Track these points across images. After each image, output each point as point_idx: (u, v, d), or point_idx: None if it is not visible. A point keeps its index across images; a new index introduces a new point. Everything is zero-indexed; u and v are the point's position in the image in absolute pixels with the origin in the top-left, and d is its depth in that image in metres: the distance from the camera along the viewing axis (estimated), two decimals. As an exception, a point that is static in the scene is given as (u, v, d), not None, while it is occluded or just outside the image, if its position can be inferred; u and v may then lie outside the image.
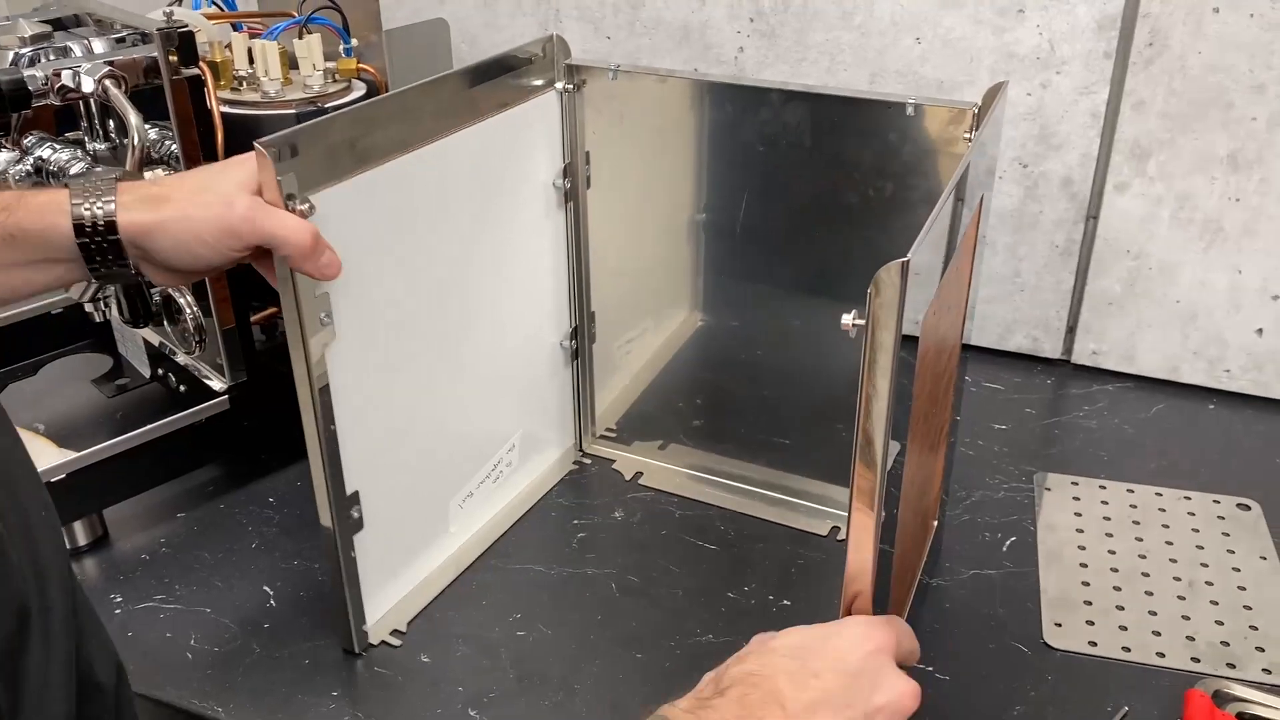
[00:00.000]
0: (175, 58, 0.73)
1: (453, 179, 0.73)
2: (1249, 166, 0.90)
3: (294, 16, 0.83)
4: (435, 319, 0.75)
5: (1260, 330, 0.95)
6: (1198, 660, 0.71)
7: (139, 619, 0.75)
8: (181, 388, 0.91)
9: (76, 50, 0.79)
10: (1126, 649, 0.72)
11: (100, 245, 0.56)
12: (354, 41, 0.86)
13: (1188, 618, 0.74)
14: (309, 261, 0.59)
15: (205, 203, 0.57)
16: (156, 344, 0.93)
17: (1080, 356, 1.03)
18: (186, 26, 0.73)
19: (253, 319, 0.85)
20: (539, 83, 0.78)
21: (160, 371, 0.94)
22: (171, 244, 0.57)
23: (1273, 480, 0.87)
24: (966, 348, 1.03)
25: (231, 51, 0.81)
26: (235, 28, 0.87)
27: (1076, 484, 0.88)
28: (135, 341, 0.96)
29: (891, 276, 0.44)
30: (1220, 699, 0.66)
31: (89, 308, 0.87)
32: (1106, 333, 1.00)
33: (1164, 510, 0.85)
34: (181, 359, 0.89)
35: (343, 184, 0.64)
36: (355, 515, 0.70)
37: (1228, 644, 0.72)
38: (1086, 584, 0.78)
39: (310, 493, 0.68)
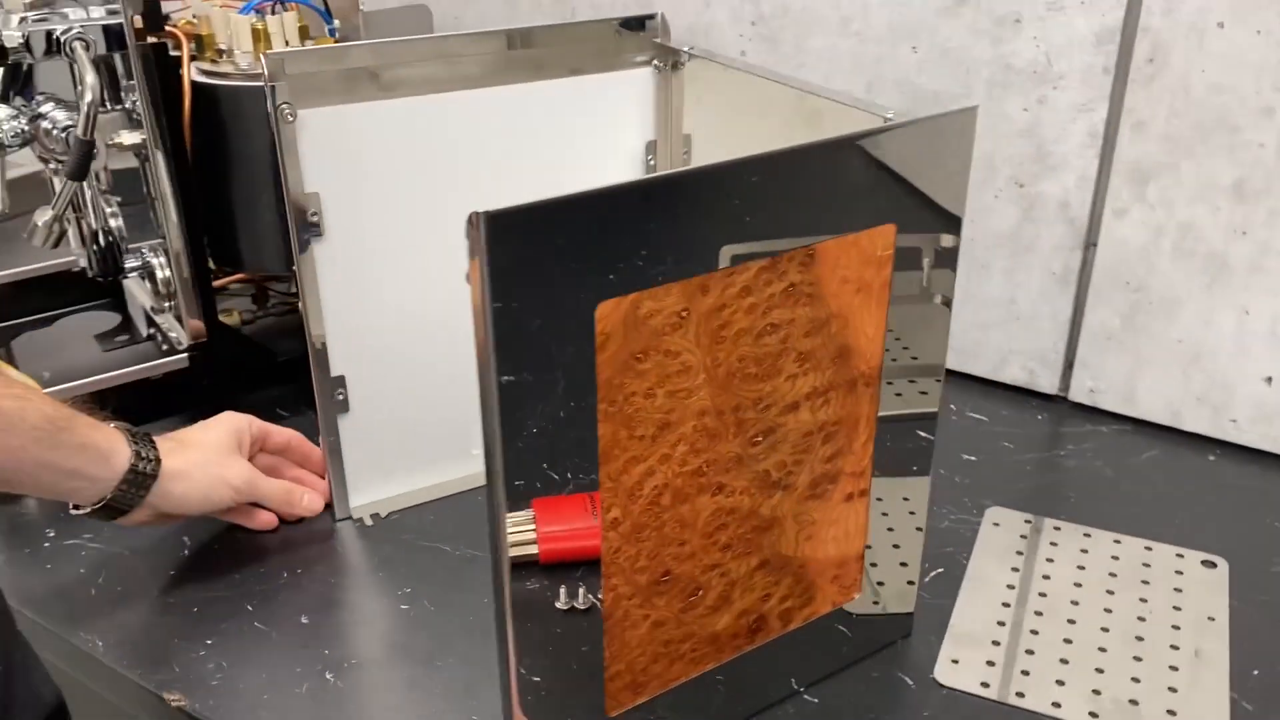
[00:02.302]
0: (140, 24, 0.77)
1: (513, 128, 0.78)
2: (1256, 197, 0.82)
3: (270, -6, 0.86)
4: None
5: (1270, 379, 0.87)
6: (1095, 715, 0.65)
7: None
8: (164, 345, 0.95)
9: (73, 16, 0.84)
10: (1021, 694, 0.67)
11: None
12: (336, 22, 0.89)
13: (1101, 670, 0.68)
14: (293, 509, 0.80)
15: (209, 474, 0.75)
16: (149, 305, 0.98)
17: (1078, 394, 0.96)
18: (154, -4, 0.77)
19: (215, 283, 0.89)
20: (637, 58, 0.82)
21: (152, 330, 0.99)
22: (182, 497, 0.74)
23: (1256, 541, 0.80)
24: (958, 375, 1.00)
25: (212, 25, 0.85)
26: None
27: (1029, 522, 0.82)
28: (138, 302, 1.02)
29: (471, 230, 0.43)
30: (1098, 757, 0.61)
31: (82, 263, 0.92)
32: (1104, 369, 0.94)
33: (1117, 559, 0.78)
34: (160, 319, 0.94)
35: (357, 105, 0.73)
36: (340, 397, 0.78)
37: (1136, 702, 0.66)
38: (1001, 624, 0.72)
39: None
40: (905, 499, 0.68)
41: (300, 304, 0.74)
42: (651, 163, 0.85)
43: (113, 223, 0.87)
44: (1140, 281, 0.90)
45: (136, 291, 0.98)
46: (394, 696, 0.67)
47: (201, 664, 0.69)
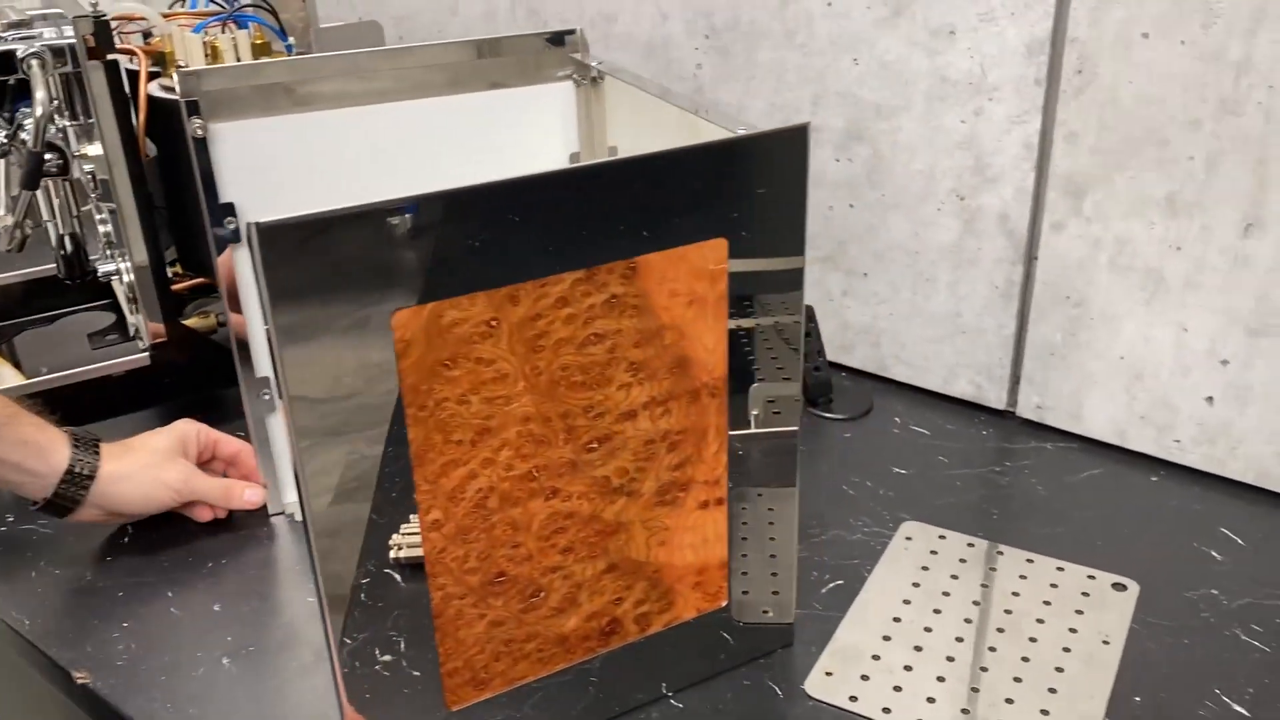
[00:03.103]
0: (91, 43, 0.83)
1: (435, 141, 0.81)
2: (1188, 211, 0.80)
3: (222, 12, 0.91)
4: None
5: (1210, 399, 0.84)
6: (957, 734, 0.65)
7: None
8: (139, 344, 1.01)
9: (48, 35, 0.90)
10: (887, 710, 0.66)
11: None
12: (291, 39, 0.93)
13: (976, 690, 0.68)
14: (231, 504, 0.84)
15: (149, 476, 0.80)
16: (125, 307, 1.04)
17: (1025, 410, 0.95)
18: (105, 16, 0.82)
19: (174, 287, 0.94)
20: (558, 72, 0.85)
21: (134, 330, 1.05)
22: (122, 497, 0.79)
23: (1177, 564, 0.78)
24: (910, 388, 0.99)
25: (173, 43, 0.90)
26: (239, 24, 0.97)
27: (944, 538, 0.81)
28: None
29: (249, 239, 0.45)
30: (941, 775, 0.60)
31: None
32: (1050, 385, 0.92)
33: (1025, 578, 0.77)
34: (132, 320, 1.00)
35: (271, 119, 0.76)
36: (266, 397, 0.82)
37: (1003, 724, 0.65)
38: (887, 639, 0.72)
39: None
40: (770, 509, 0.68)
41: (223, 308, 0.78)
42: (575, 174, 0.86)
43: (78, 228, 0.92)
44: (1080, 296, 0.88)
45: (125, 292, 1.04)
46: (281, 681, 0.71)
47: (113, 645, 0.73)
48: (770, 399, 0.64)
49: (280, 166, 0.77)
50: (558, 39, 0.83)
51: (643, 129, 0.79)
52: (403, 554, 0.57)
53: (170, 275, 0.93)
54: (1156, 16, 0.77)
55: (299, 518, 0.84)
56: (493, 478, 0.56)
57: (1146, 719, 0.65)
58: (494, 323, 0.53)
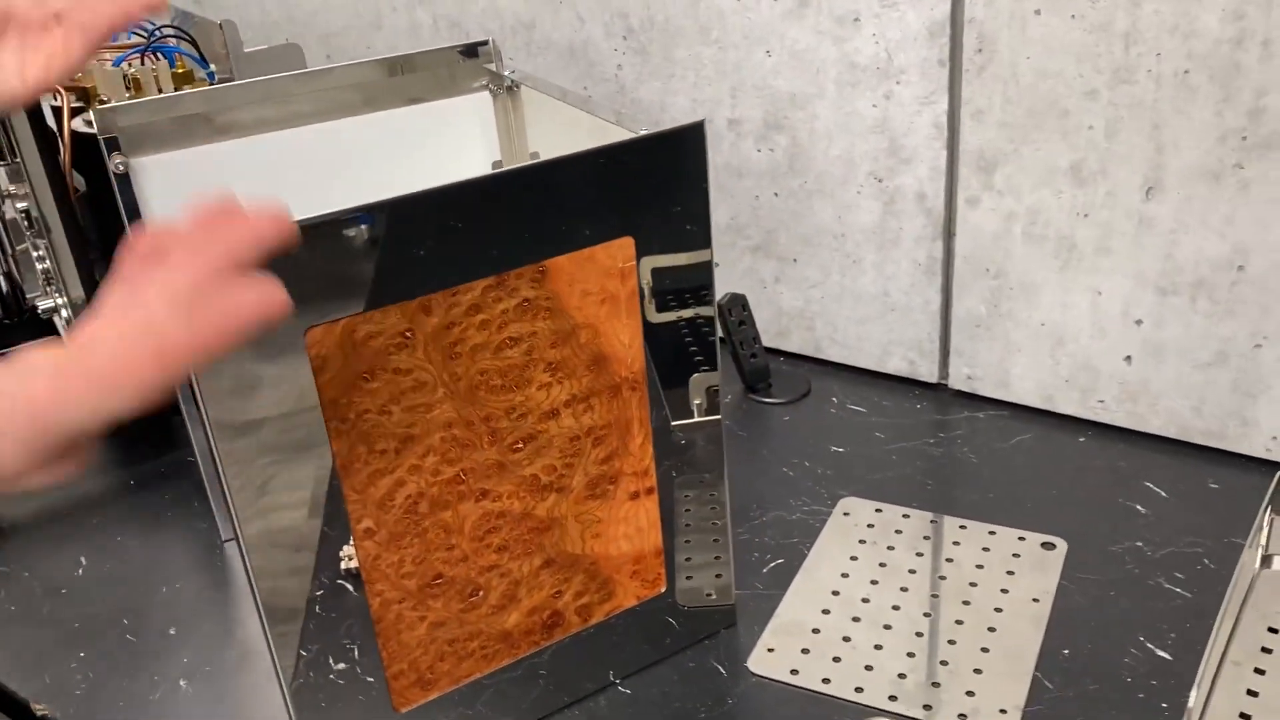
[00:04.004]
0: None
1: (358, 159, 0.82)
2: (1093, 179, 0.83)
3: (140, 45, 0.92)
4: None
5: (1129, 358, 0.87)
6: (895, 699, 0.67)
7: None
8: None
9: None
10: (827, 680, 0.69)
11: None
12: (213, 66, 0.94)
13: (913, 655, 0.70)
14: None
15: None
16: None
17: (956, 381, 0.97)
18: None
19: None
20: (474, 83, 0.85)
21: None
22: None
23: (1099, 519, 0.80)
24: (846, 368, 1.02)
25: (95, 78, 0.91)
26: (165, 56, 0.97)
27: (880, 511, 0.84)
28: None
29: None
30: (877, 738, 0.63)
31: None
32: (978, 356, 0.95)
33: (958, 544, 0.80)
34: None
35: (193, 150, 0.76)
36: None
37: (939, 684, 0.68)
38: (826, 612, 0.74)
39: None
40: (710, 494, 0.70)
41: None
42: (503, 182, 0.88)
43: (14, 268, 0.93)
44: (999, 268, 0.90)
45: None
46: (239, 700, 0.72)
47: (71, 675, 0.75)
48: (691, 389, 0.66)
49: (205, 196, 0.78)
50: (471, 50, 0.84)
51: (562, 133, 0.80)
52: (353, 564, 0.58)
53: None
54: (1047, -7, 0.79)
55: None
56: (420, 484, 0.58)
57: (1074, 670, 0.68)
58: (409, 334, 0.55)
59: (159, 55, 0.92)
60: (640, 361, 0.63)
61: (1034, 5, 0.80)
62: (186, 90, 0.85)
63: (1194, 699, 0.60)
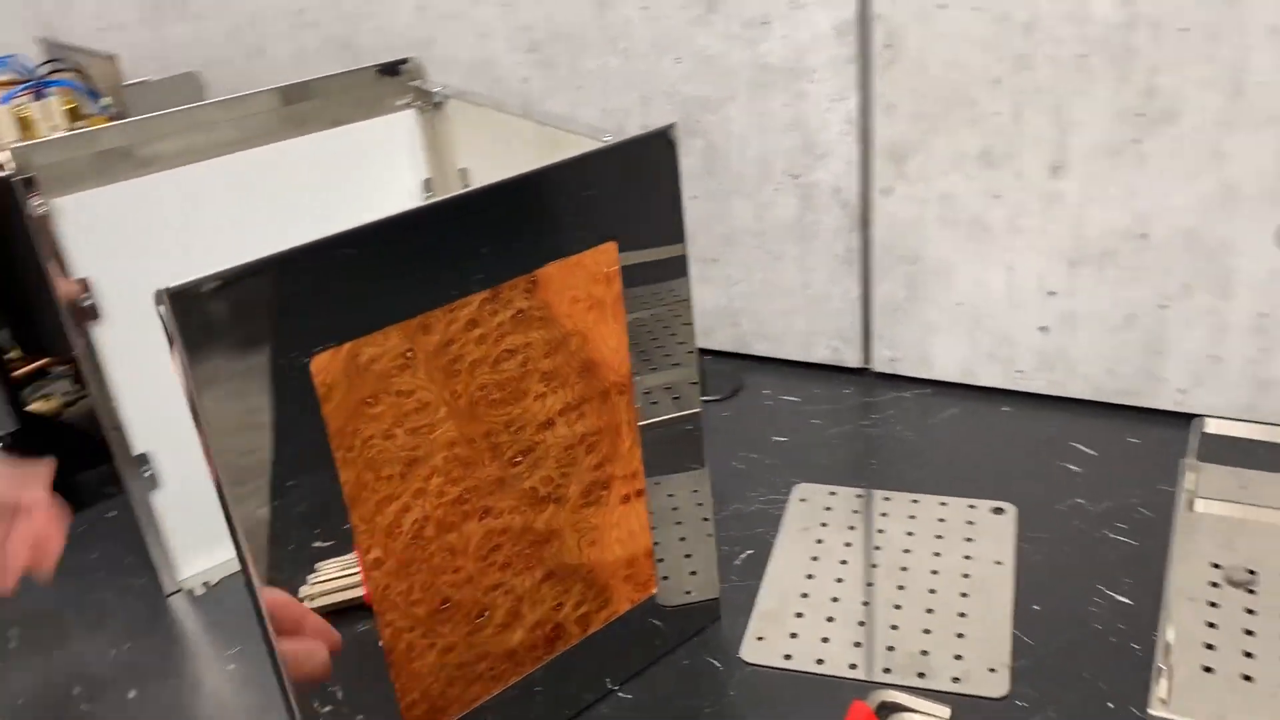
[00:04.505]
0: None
1: (283, 184, 0.80)
2: (1002, 162, 0.88)
3: (27, 81, 0.87)
4: None
5: (1045, 328, 0.93)
6: (889, 671, 0.69)
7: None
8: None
9: None
10: (820, 661, 0.71)
11: None
12: (106, 99, 0.90)
13: (896, 627, 0.73)
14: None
15: None
16: None
17: (880, 364, 1.01)
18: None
19: (14, 373, 0.89)
20: (398, 101, 0.85)
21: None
22: None
23: (1039, 482, 0.85)
24: (773, 361, 1.05)
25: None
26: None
27: (834, 494, 0.86)
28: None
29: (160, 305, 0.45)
30: (885, 709, 0.65)
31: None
32: (899, 339, 0.99)
33: (914, 518, 0.83)
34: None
35: (114, 186, 0.74)
36: (147, 474, 0.79)
37: (927, 653, 0.70)
38: (805, 595, 0.76)
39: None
40: (695, 491, 0.71)
41: (89, 389, 0.75)
42: (430, 198, 0.87)
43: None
44: (915, 253, 0.95)
45: None
46: (220, 758, 0.69)
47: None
48: (668, 385, 0.66)
49: (131, 233, 0.74)
50: (393, 69, 0.83)
51: (496, 146, 0.80)
52: (316, 604, 0.56)
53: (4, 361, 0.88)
54: (949, -11, 0.84)
55: (199, 592, 0.82)
56: (426, 507, 0.57)
57: (1050, 623, 0.71)
58: (409, 354, 0.54)
59: (45, 92, 0.86)
60: (626, 365, 0.63)
61: (938, 0, 0.85)
62: (105, 124, 0.81)
63: (1169, 635, 0.64)
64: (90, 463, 0.96)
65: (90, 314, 0.73)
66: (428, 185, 0.87)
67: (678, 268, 0.63)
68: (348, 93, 0.82)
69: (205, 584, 0.83)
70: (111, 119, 0.89)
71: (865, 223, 0.96)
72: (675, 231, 0.62)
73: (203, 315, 0.46)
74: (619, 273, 0.61)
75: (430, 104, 0.83)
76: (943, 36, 0.86)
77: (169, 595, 0.83)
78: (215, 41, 1.18)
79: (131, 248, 0.74)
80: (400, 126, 0.84)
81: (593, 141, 0.66)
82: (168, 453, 0.80)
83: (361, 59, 1.08)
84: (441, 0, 1.04)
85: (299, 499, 0.52)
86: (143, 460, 0.78)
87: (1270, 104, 0.77)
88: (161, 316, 0.45)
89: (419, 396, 0.55)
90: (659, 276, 0.63)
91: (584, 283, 0.59)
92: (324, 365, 0.51)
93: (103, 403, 0.76)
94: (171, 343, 0.46)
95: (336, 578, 0.56)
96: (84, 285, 0.73)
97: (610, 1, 0.96)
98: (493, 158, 0.83)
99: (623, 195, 0.60)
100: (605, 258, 0.60)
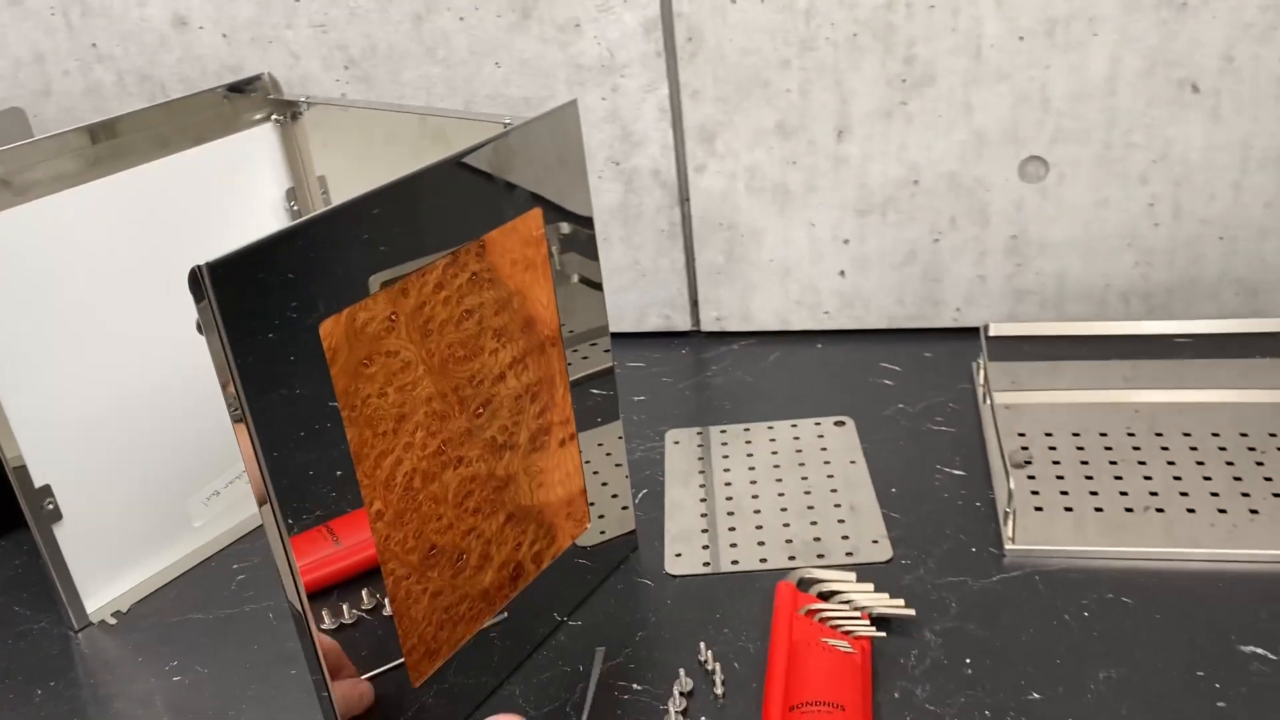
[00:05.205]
0: None
1: (153, 207, 0.82)
2: (795, 133, 1.03)
3: None
4: (141, 339, 0.82)
5: (842, 272, 1.08)
6: (794, 558, 0.81)
7: None
8: None
9: None
10: (735, 562, 0.81)
11: None
12: (-75, 142, 0.86)
13: (788, 525, 0.85)
14: None
15: None
16: None
17: (707, 325, 1.14)
18: None
19: None
20: (255, 115, 0.87)
21: None
22: None
23: (864, 398, 1.00)
24: (613, 335, 1.14)
25: None
26: None
27: (700, 433, 0.97)
28: None
29: (195, 282, 0.50)
30: (804, 584, 0.76)
31: None
32: (723, 300, 1.12)
33: (774, 440, 0.95)
34: None
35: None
36: (50, 507, 0.78)
37: (819, 539, 0.83)
38: (704, 515, 0.87)
39: None
40: (600, 445, 0.80)
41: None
42: (294, 207, 0.91)
43: None
44: (730, 221, 1.08)
45: None
46: (199, 756, 0.70)
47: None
48: (584, 339, 0.75)
49: (13, 263, 0.73)
50: (248, 84, 0.86)
51: (367, 148, 0.85)
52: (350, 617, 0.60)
53: None
54: (739, -14, 0.98)
55: (111, 621, 0.82)
56: (414, 460, 0.62)
57: (908, 499, 0.86)
58: (394, 316, 0.59)
59: None
60: (556, 320, 0.71)
61: (730, -3, 0.98)
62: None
63: (1007, 490, 0.80)
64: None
65: (-20, 348, 0.72)
66: (290, 195, 0.90)
67: (588, 227, 0.72)
68: (204, 111, 0.84)
69: (116, 613, 0.83)
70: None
71: (684, 199, 1.08)
72: (584, 197, 0.71)
73: (234, 285, 0.50)
74: (543, 236, 0.69)
75: (288, 115, 0.87)
76: (736, 27, 0.99)
77: (79, 631, 0.81)
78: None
79: (13, 280, 0.74)
80: (260, 139, 0.87)
81: (491, 124, 0.73)
82: (69, 484, 0.79)
83: (170, 91, 1.09)
84: (249, 27, 1.06)
85: (319, 459, 0.56)
86: (45, 493, 0.77)
87: (1002, 63, 0.96)
88: (194, 293, 0.49)
89: (403, 356, 0.60)
90: (575, 239, 0.72)
91: (519, 246, 0.67)
92: (330, 330, 0.56)
93: (2, 436, 0.74)
94: (209, 314, 0.50)
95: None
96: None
97: (427, 15, 1.03)
98: (355, 160, 0.88)
99: (543, 164, 0.68)
100: (533, 222, 0.68)
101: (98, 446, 0.80)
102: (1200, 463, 0.85)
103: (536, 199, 0.68)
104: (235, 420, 0.53)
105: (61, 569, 0.80)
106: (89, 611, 0.82)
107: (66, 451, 0.78)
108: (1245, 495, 0.81)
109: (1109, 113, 0.97)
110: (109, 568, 0.83)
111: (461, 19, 1.03)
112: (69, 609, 0.81)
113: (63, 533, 0.79)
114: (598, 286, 0.75)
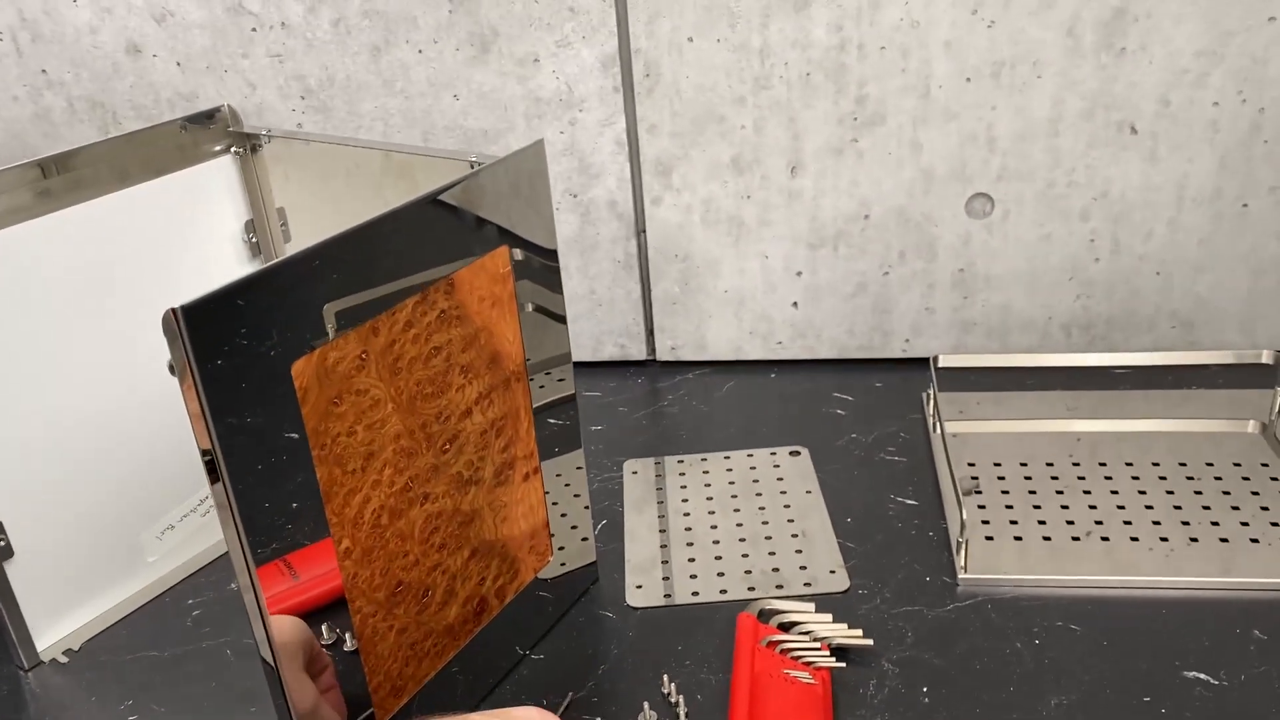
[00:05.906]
0: None
1: (116, 238, 0.81)
2: (750, 167, 1.05)
3: None
4: (94, 374, 0.80)
5: (795, 303, 1.10)
6: (753, 589, 0.82)
7: None
8: None
9: None
10: (695, 594, 0.82)
11: None
12: None
13: (747, 555, 0.86)
14: None
15: None
16: None
17: (663, 354, 1.15)
18: None
19: None
20: (215, 148, 0.88)
21: None
22: None
23: (817, 428, 1.02)
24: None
25: None
26: None
27: (659, 463, 0.99)
28: None
29: (169, 325, 0.49)
30: (764, 615, 0.77)
31: None
32: (678, 330, 1.13)
33: (731, 470, 0.97)
34: None
35: None
36: (1, 543, 0.76)
37: (778, 569, 0.84)
38: (664, 546, 0.88)
39: None
40: (559, 475, 0.80)
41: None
42: (252, 239, 0.90)
43: None
44: (685, 252, 1.09)
45: None
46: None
47: None
48: (549, 370, 0.76)
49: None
50: (208, 116, 0.86)
51: (326, 183, 0.85)
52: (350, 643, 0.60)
53: None
54: (695, 23, 0.99)
55: (63, 660, 0.80)
56: (381, 497, 0.63)
57: (862, 528, 0.88)
58: (364, 355, 0.60)
59: None
60: (521, 355, 0.72)
61: (687, 34, 1.00)
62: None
63: (959, 520, 0.82)
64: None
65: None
66: (249, 227, 0.90)
67: (552, 262, 0.73)
68: (163, 143, 0.84)
69: (68, 651, 0.81)
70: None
71: (640, 230, 1.09)
72: (549, 232, 0.72)
73: (207, 329, 0.50)
74: (510, 273, 0.69)
75: (247, 147, 0.87)
76: (693, 64, 1.01)
77: (29, 670, 0.80)
78: (-63, 107, 1.12)
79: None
80: (219, 172, 0.87)
81: (457, 161, 0.74)
82: (20, 519, 0.77)
83: (121, 117, 1.08)
84: (204, 56, 1.06)
85: (289, 498, 0.56)
86: (-5, 529, 0.76)
87: (950, 103, 0.99)
88: (169, 335, 0.49)
89: (372, 394, 0.61)
90: (541, 273, 0.72)
91: (487, 283, 0.68)
92: (301, 369, 0.56)
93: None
94: (182, 358, 0.50)
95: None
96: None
97: (385, 48, 1.04)
98: (316, 193, 0.88)
99: (510, 202, 0.69)
100: (501, 260, 0.68)
101: (49, 481, 0.79)
102: (1142, 491, 0.88)
103: (504, 235, 0.69)
104: (206, 461, 0.53)
105: (11, 606, 0.78)
106: (40, 649, 0.80)
107: (17, 486, 0.77)
108: (1185, 524, 0.84)
109: (1052, 152, 1.00)
110: (60, 604, 0.81)
111: (420, 51, 1.04)
112: (19, 647, 0.79)
113: (13, 569, 0.78)
114: (561, 319, 0.75)
